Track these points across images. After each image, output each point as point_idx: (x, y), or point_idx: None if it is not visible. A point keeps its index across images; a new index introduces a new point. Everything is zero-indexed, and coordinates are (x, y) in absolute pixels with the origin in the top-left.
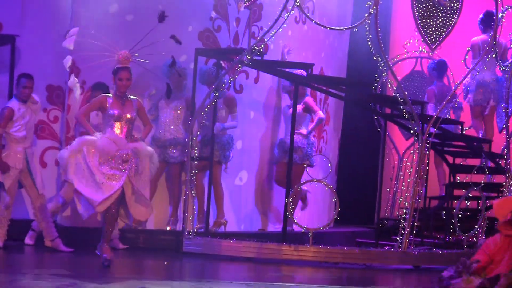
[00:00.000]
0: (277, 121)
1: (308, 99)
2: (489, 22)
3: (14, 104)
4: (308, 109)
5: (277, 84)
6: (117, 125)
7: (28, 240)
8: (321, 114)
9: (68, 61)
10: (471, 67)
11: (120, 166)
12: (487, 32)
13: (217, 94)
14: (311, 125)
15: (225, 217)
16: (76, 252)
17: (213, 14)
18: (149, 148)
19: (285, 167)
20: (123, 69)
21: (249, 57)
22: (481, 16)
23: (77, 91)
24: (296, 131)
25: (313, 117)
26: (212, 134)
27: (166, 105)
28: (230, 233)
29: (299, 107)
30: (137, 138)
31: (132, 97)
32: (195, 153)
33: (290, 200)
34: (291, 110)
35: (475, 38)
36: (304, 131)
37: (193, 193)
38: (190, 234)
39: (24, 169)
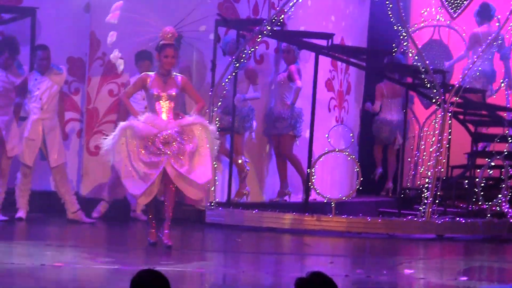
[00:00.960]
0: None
1: (292, 67)
2: (485, 14)
3: (31, 75)
4: (290, 78)
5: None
6: (159, 104)
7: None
8: (299, 83)
9: (113, 36)
10: (472, 58)
11: (162, 149)
12: (483, 24)
13: (237, 64)
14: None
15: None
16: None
17: None
18: (203, 122)
19: (284, 138)
20: (168, 46)
21: (269, 28)
22: (477, 8)
23: (121, 66)
24: (282, 101)
25: (292, 86)
26: (232, 105)
27: None
28: (252, 203)
29: (284, 75)
30: (183, 115)
31: (177, 74)
32: (216, 123)
33: (312, 170)
34: (279, 77)
35: (476, 30)
36: (288, 101)
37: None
38: (213, 205)
39: (40, 141)
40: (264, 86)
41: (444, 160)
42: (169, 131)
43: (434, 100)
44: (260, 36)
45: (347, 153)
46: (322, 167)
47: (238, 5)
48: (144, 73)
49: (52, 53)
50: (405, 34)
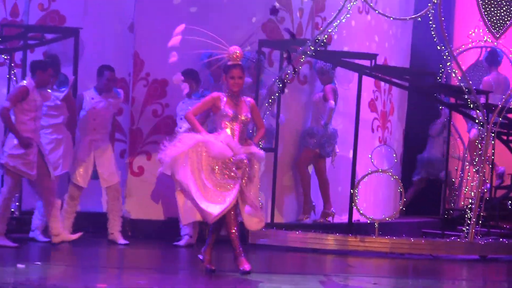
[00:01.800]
0: (340, 108)
1: (327, 87)
2: (493, 60)
3: (88, 93)
4: (325, 98)
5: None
6: (230, 126)
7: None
8: (331, 103)
9: (174, 57)
10: None
11: (233, 174)
12: (491, 69)
13: (281, 85)
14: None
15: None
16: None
17: (277, 5)
18: (262, 152)
19: (306, 152)
20: (234, 67)
21: (312, 48)
22: (485, 54)
23: (186, 90)
24: (317, 121)
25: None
26: (277, 125)
27: None
28: (293, 224)
29: (320, 95)
30: (251, 141)
31: (245, 96)
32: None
33: (356, 190)
34: (315, 96)
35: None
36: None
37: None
38: None
39: (92, 161)
40: (308, 105)
41: (487, 181)
42: (242, 156)
43: (477, 121)
44: (303, 56)
45: (390, 174)
46: (365, 188)
47: (282, 25)
48: (216, 92)
49: (95, 73)
50: (448, 55)
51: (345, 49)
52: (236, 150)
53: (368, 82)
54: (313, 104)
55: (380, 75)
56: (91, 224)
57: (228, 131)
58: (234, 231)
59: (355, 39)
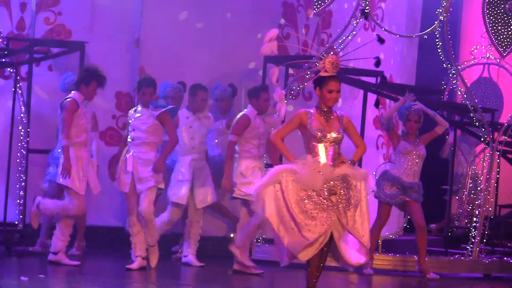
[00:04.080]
0: None
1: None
2: None
3: (182, 112)
4: None
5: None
6: (321, 147)
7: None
8: None
9: (275, 73)
10: None
11: (327, 201)
12: None
13: (286, 101)
14: None
15: None
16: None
17: (282, 21)
18: (363, 171)
19: None
20: (331, 79)
21: (317, 64)
22: None
23: (283, 108)
24: None
25: None
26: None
27: None
28: None
29: None
30: (347, 160)
31: (340, 113)
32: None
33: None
34: None
35: None
36: None
37: None
38: (259, 241)
39: None
40: None
41: (492, 199)
42: (336, 180)
43: (482, 139)
44: (309, 72)
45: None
46: (369, 205)
47: (287, 41)
48: (303, 109)
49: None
50: (454, 72)
51: (351, 65)
52: (327, 174)
53: (373, 99)
54: None
55: (385, 92)
56: (94, 239)
57: (320, 152)
58: (314, 280)
59: (360, 56)
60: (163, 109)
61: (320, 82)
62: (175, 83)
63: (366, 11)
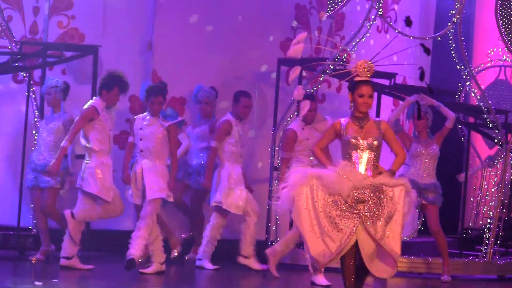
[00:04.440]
0: None
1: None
2: None
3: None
4: None
5: None
6: (356, 154)
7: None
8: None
9: (294, 72)
10: None
11: (352, 209)
12: None
13: (299, 104)
14: None
15: None
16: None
17: (295, 23)
18: (402, 181)
19: None
20: (364, 83)
21: (331, 67)
22: None
23: (305, 107)
24: None
25: None
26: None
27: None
28: None
29: None
30: (382, 169)
31: (378, 119)
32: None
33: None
34: None
35: None
36: None
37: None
38: (273, 245)
39: None
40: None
41: (506, 201)
42: (366, 188)
43: (496, 140)
44: (322, 75)
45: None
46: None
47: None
48: (338, 119)
49: None
50: (468, 74)
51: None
52: (357, 181)
53: (387, 101)
54: None
55: (399, 94)
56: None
57: (356, 159)
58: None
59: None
60: (173, 121)
61: (352, 87)
62: (208, 88)
63: (410, 20)
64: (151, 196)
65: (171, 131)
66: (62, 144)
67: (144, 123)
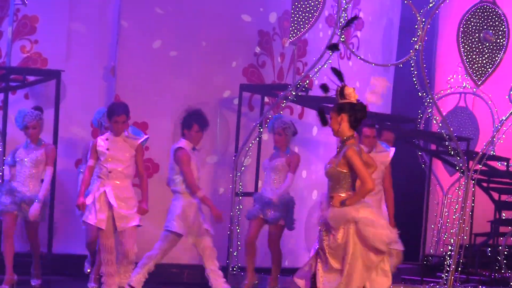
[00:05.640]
0: (325, 157)
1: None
2: None
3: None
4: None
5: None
6: None
7: None
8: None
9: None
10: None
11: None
12: None
13: (261, 129)
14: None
15: None
16: None
17: (258, 49)
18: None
19: None
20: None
21: (293, 93)
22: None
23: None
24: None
25: None
26: (257, 169)
27: None
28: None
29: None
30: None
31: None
32: (240, 188)
33: None
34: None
35: None
36: None
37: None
38: (235, 270)
39: None
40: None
41: (467, 228)
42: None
43: (457, 168)
44: (284, 101)
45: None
46: None
47: (263, 70)
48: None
49: (77, 116)
50: (429, 101)
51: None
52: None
53: None
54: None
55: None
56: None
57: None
58: None
59: (336, 84)
60: (140, 139)
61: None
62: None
63: (335, 44)
64: (127, 225)
65: (140, 149)
66: (199, 195)
67: (109, 144)
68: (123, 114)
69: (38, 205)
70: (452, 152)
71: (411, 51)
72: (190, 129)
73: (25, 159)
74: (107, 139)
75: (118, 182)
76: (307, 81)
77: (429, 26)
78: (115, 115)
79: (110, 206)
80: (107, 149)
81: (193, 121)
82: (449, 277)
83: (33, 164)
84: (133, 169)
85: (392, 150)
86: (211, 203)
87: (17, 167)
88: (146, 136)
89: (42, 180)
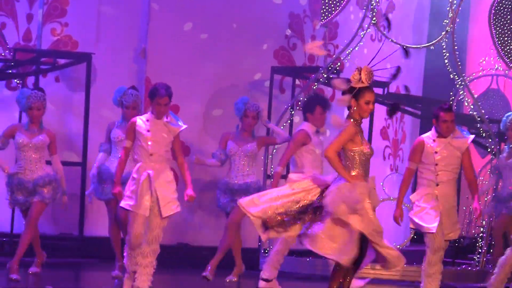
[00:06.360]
0: None
1: None
2: None
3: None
4: None
5: None
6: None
7: None
8: None
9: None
10: None
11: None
12: None
13: (293, 112)
14: None
15: None
16: None
17: (288, 32)
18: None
19: None
20: (368, 90)
21: (325, 75)
22: None
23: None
24: None
25: None
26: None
27: None
28: (306, 250)
29: None
30: None
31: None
32: (271, 170)
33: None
34: None
35: None
36: None
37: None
38: (266, 252)
39: None
40: None
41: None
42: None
43: (489, 150)
44: (316, 83)
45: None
46: (376, 215)
47: (294, 52)
48: (352, 121)
49: (108, 99)
50: (461, 83)
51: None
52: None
53: (380, 110)
54: None
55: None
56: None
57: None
58: None
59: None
60: (181, 127)
61: (356, 93)
62: (133, 90)
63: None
64: (170, 212)
65: (178, 138)
66: (276, 170)
67: (150, 125)
68: (166, 96)
69: (65, 198)
70: (483, 134)
71: (442, 33)
72: (313, 112)
73: (29, 144)
74: (147, 120)
75: (158, 166)
76: (339, 64)
77: (460, 8)
78: (157, 97)
79: (151, 191)
80: (148, 131)
81: (316, 104)
82: (481, 259)
83: (38, 148)
84: (170, 154)
85: (471, 137)
86: (275, 181)
87: (20, 153)
88: (185, 126)
89: (46, 162)
